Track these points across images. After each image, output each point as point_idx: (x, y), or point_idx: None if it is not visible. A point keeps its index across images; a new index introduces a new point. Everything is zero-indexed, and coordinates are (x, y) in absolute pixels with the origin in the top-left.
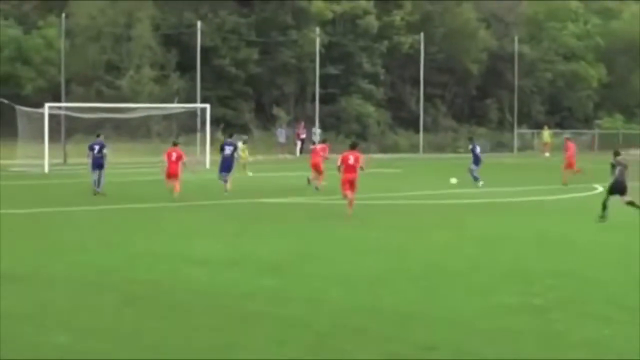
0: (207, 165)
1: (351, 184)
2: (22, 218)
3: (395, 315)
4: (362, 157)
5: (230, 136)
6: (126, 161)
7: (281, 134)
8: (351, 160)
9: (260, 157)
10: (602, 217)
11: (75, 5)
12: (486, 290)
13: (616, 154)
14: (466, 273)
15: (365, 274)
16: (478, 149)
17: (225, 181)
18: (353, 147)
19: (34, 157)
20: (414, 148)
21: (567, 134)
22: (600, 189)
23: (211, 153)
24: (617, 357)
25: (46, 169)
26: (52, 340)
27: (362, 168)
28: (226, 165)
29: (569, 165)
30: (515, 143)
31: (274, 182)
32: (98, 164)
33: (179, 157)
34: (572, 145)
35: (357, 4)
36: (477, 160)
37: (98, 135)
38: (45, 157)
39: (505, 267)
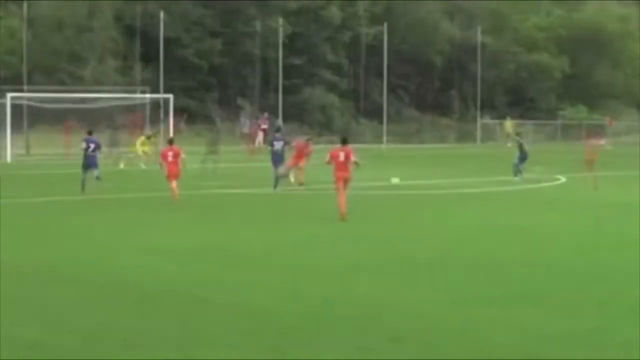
0: (170, 157)
1: (345, 182)
2: None
3: (363, 307)
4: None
5: (90, 133)
6: None
7: (245, 124)
8: (341, 157)
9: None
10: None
11: None
12: (455, 281)
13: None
14: (435, 264)
15: (334, 266)
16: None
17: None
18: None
19: None
20: (377, 138)
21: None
22: (563, 179)
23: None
24: (585, 350)
25: (9, 159)
26: (22, 334)
27: (356, 164)
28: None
29: None
30: (479, 134)
31: (237, 172)
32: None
33: (176, 155)
34: None
35: None
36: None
37: (90, 133)
38: (8, 148)
39: (473, 258)
